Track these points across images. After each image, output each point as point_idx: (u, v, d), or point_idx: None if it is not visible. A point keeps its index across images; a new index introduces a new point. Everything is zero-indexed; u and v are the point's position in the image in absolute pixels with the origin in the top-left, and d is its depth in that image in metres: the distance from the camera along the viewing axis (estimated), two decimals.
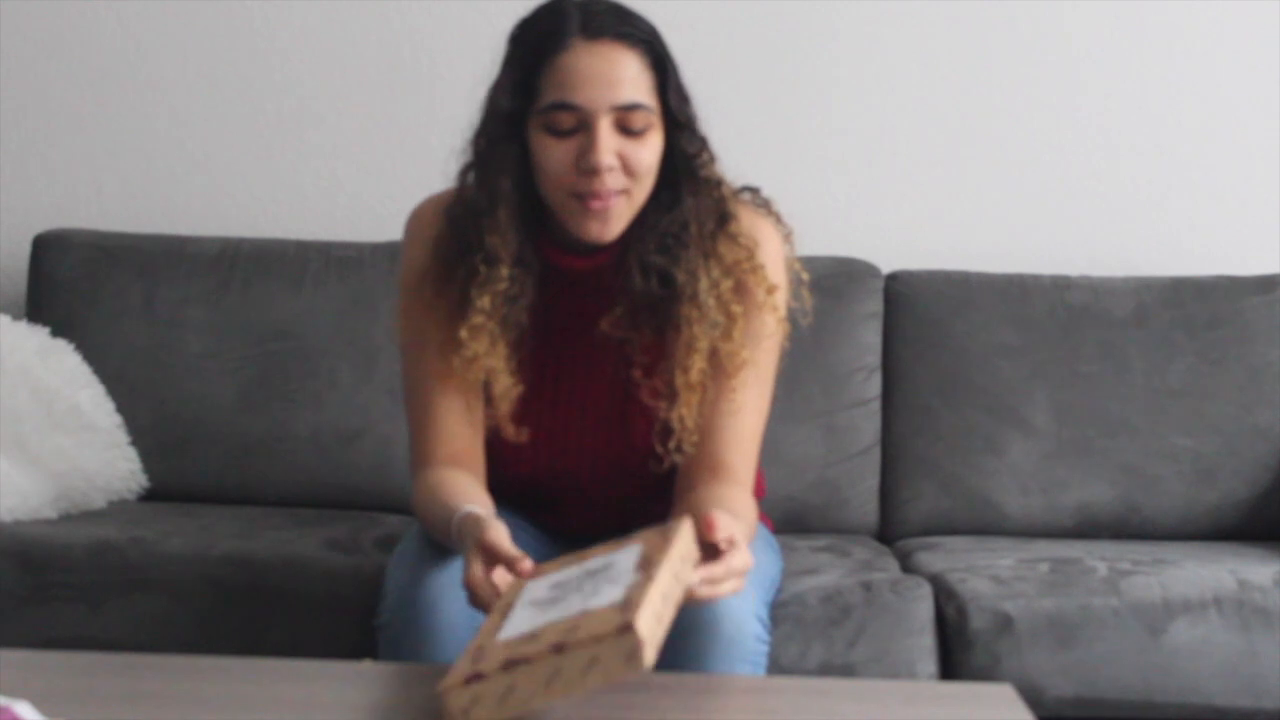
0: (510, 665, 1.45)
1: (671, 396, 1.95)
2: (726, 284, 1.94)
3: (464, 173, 1.97)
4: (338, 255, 2.82)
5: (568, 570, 1.63)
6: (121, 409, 2.72)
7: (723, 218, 1.96)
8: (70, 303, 2.81)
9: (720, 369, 1.95)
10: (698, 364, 1.94)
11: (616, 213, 1.89)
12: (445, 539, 1.88)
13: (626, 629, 1.43)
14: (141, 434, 2.73)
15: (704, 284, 1.93)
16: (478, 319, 1.93)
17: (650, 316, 1.95)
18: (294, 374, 2.76)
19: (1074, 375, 2.74)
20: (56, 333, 2.74)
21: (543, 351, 2.00)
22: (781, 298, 1.99)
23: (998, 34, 3.00)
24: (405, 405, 2.05)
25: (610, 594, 1.51)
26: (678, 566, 1.59)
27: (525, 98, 1.89)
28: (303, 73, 3.03)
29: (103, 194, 3.04)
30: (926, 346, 2.77)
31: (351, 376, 2.74)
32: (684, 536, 1.62)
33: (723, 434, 1.96)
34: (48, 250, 2.85)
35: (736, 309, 1.95)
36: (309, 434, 2.73)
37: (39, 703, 1.44)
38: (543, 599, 1.58)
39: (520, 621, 1.55)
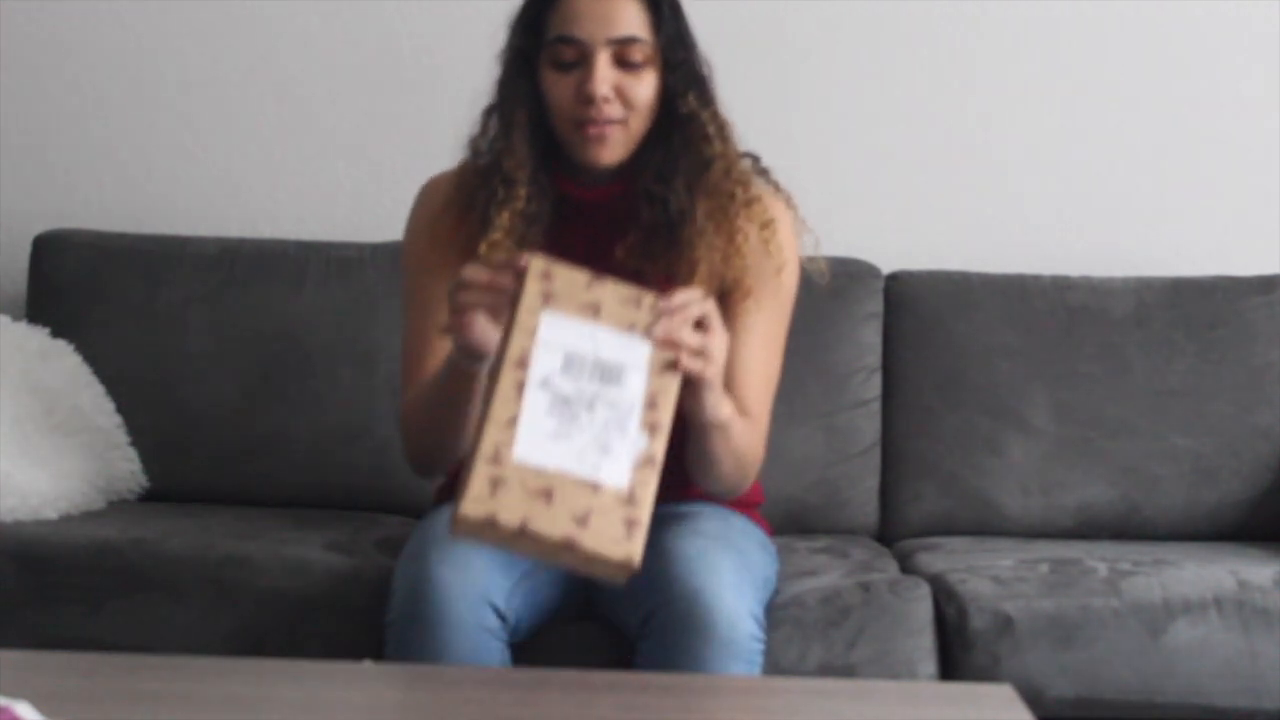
0: (522, 533, 1.59)
1: None
2: (723, 212, 2.06)
3: (487, 114, 2.11)
4: (338, 255, 2.82)
5: (580, 331, 1.68)
6: (121, 409, 2.72)
7: (715, 154, 2.07)
8: (70, 303, 2.80)
9: (728, 296, 2.04)
10: (703, 289, 1.98)
11: (613, 140, 2.03)
12: (438, 389, 1.97)
13: (627, 565, 1.60)
14: (141, 434, 2.72)
15: (700, 211, 2.05)
16: (496, 235, 2.04)
17: (661, 246, 2.05)
18: (294, 374, 2.75)
19: (1074, 375, 2.74)
20: (56, 333, 2.73)
21: None
22: (785, 235, 2.10)
23: (998, 34, 3.00)
24: (402, 342, 2.15)
25: (619, 460, 1.63)
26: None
27: (535, 35, 2.05)
28: (303, 73, 3.03)
29: (103, 194, 3.03)
30: (926, 346, 2.77)
31: (351, 377, 2.74)
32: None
33: (730, 361, 1.99)
34: (48, 250, 2.85)
35: (739, 237, 2.06)
36: (309, 434, 2.73)
37: (39, 703, 1.44)
38: (556, 386, 1.65)
39: (535, 424, 1.63)
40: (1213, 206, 3.00)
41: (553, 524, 1.59)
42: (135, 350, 2.77)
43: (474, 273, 1.80)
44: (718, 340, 1.79)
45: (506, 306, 1.73)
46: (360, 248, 2.83)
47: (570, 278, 1.71)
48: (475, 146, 2.12)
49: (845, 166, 3.00)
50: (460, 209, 2.11)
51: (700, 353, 1.76)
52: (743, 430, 1.99)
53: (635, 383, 1.68)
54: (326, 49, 3.02)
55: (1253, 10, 2.98)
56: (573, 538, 1.59)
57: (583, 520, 1.60)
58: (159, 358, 2.77)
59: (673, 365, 1.71)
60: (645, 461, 1.65)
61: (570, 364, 1.67)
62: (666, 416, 1.68)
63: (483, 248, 2.03)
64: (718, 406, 1.89)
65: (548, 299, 1.69)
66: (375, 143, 3.02)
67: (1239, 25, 2.98)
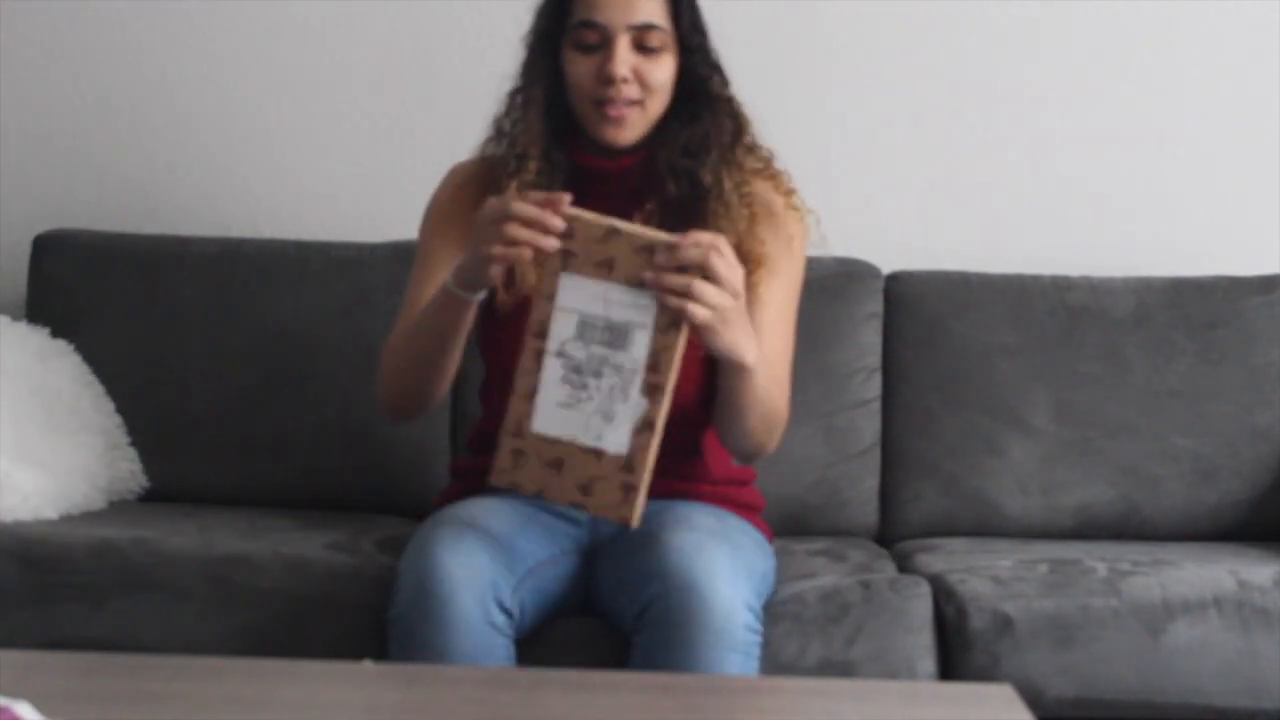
0: (540, 496, 1.91)
1: None
2: (746, 186, 2.16)
3: (512, 95, 2.22)
4: (338, 255, 2.81)
5: (593, 292, 1.84)
6: (121, 409, 2.72)
7: (738, 131, 2.20)
8: (70, 303, 2.80)
9: (747, 265, 2.07)
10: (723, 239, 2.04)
11: (631, 120, 2.14)
12: (428, 319, 2.06)
13: (625, 524, 1.89)
14: (141, 434, 2.72)
15: (728, 184, 2.15)
16: None
17: (678, 218, 2.11)
18: (294, 374, 2.75)
19: (1074, 375, 2.74)
20: (56, 333, 2.73)
21: None
22: (799, 208, 2.21)
23: (997, 34, 3.00)
24: (401, 308, 2.21)
25: (620, 427, 1.85)
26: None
27: (559, 19, 2.17)
28: (303, 73, 3.03)
29: (103, 194, 3.03)
30: (926, 346, 2.77)
31: (352, 377, 2.74)
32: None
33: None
34: (48, 250, 2.85)
35: (759, 208, 2.17)
36: (309, 434, 2.73)
37: (39, 703, 1.44)
38: (570, 354, 1.84)
39: (550, 394, 1.85)
40: (1213, 206, 3.00)
41: (563, 492, 1.89)
42: (135, 350, 2.77)
43: (521, 208, 1.87)
44: (720, 283, 1.85)
45: (552, 245, 1.85)
46: (360, 248, 2.83)
47: (589, 231, 1.84)
48: (499, 125, 2.21)
49: (845, 166, 3.00)
50: (482, 184, 2.19)
51: (684, 293, 1.82)
52: (768, 382, 2.03)
53: (640, 343, 1.82)
54: (327, 49, 3.02)
55: (1252, 10, 2.98)
56: (579, 503, 1.90)
57: (587, 489, 1.87)
58: (159, 358, 2.77)
59: (677, 319, 1.82)
60: (644, 426, 1.84)
61: (583, 329, 1.83)
62: (668, 377, 1.84)
63: None
64: (733, 348, 1.94)
65: (567, 259, 1.84)
66: (375, 143, 3.02)
67: (1239, 25, 2.98)
